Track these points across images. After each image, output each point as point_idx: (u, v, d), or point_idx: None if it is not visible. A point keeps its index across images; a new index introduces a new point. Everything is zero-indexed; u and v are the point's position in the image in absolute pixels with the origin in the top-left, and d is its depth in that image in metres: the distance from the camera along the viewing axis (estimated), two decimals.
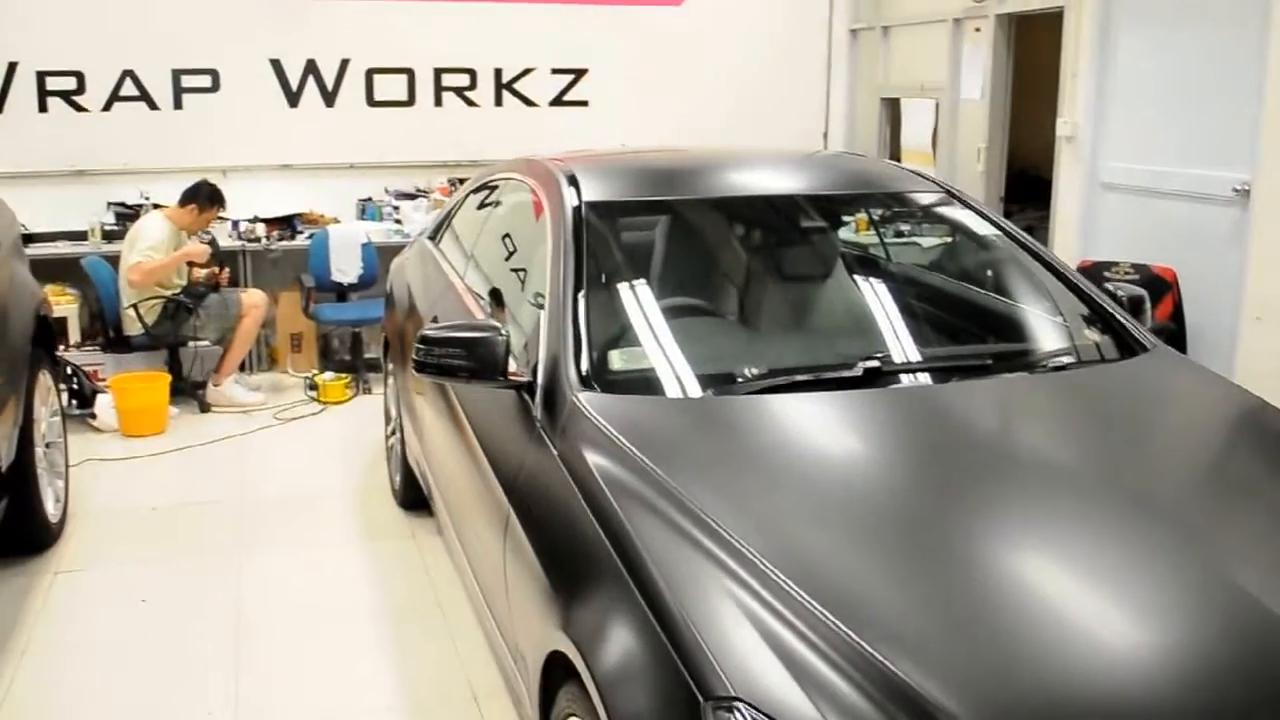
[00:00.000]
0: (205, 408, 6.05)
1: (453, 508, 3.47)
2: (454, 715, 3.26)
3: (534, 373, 2.78)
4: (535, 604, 2.38)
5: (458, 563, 3.49)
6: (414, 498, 4.48)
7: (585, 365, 2.69)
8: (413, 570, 4.19)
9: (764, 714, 1.74)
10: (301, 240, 6.76)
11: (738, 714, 1.75)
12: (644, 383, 2.71)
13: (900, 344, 3.03)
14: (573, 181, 3.32)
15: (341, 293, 6.66)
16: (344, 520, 4.67)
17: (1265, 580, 2.00)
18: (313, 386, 6.29)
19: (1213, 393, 2.92)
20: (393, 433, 4.77)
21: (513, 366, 2.82)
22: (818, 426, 2.56)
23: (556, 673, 2.28)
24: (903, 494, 2.34)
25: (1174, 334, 5.15)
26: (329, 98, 6.98)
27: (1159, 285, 5.25)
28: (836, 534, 2.15)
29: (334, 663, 3.55)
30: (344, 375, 6.37)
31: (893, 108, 7.57)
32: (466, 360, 2.78)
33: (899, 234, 4.76)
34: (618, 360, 2.77)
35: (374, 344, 6.38)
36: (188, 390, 6.11)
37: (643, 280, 3.18)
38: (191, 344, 6.13)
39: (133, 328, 5.96)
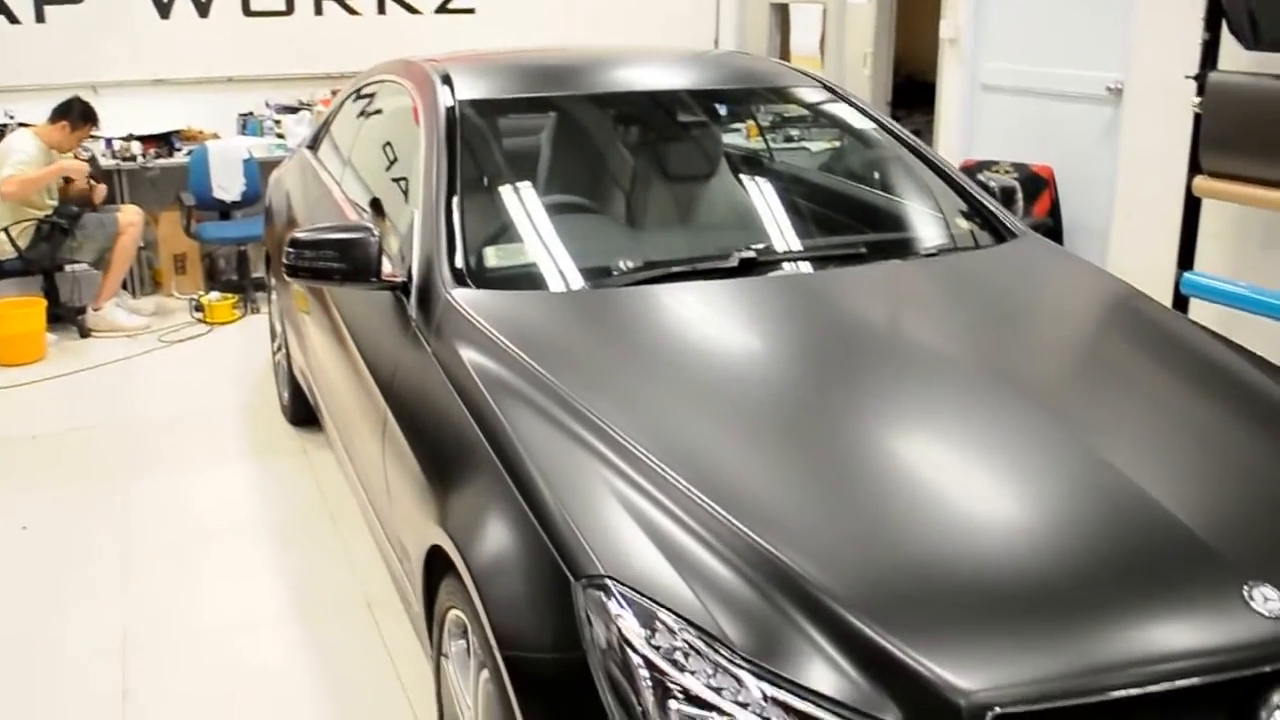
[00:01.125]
0: (85, 333, 5.84)
1: (336, 416, 3.41)
2: (348, 624, 3.23)
3: (409, 273, 2.72)
4: (414, 501, 2.35)
5: (347, 473, 3.44)
6: (304, 414, 4.40)
7: (459, 262, 2.64)
8: (304, 485, 4.12)
9: (634, 590, 1.74)
10: (180, 158, 6.51)
11: (608, 592, 1.75)
12: (519, 278, 2.67)
13: (779, 236, 3.03)
14: (447, 81, 3.23)
15: (224, 211, 6.46)
16: (234, 440, 4.57)
17: (1131, 456, 2.04)
18: (199, 308, 6.11)
19: (1081, 277, 2.98)
20: (279, 349, 4.66)
21: (388, 268, 2.75)
22: (694, 316, 2.55)
23: (438, 568, 2.26)
24: (781, 380, 2.35)
25: (1051, 230, 5.25)
26: (202, 8, 6.68)
27: (1037, 183, 5.33)
28: (714, 420, 2.14)
29: (226, 580, 3.49)
30: (231, 295, 6.19)
31: (782, 14, 7.51)
32: (339, 262, 2.70)
33: (787, 139, 4.76)
34: (493, 257, 2.72)
35: (261, 263, 6.20)
36: (67, 317, 5.90)
37: (520, 178, 3.13)
38: (68, 268, 5.89)
39: (4, 252, 5.71)
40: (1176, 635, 1.70)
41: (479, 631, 1.97)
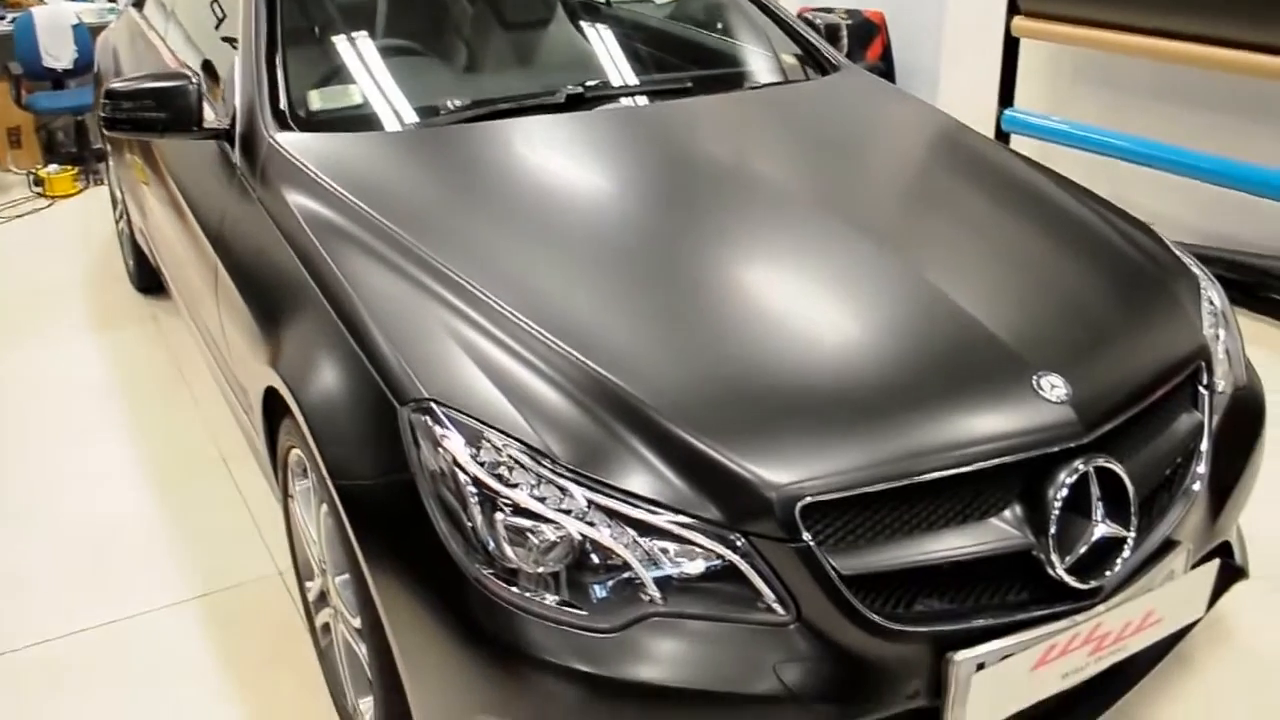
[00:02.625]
0: None
1: (176, 276, 3.25)
2: (205, 479, 3.15)
3: (232, 120, 2.56)
4: (248, 347, 2.26)
5: (193, 333, 3.30)
6: (152, 280, 4.20)
7: (283, 104, 2.49)
8: (155, 351, 3.96)
9: (459, 411, 1.70)
10: (4, 26, 6.01)
11: (433, 414, 1.71)
12: (345, 121, 2.53)
13: (611, 73, 2.94)
14: None
15: (57, 80, 6.02)
16: (81, 311, 4.34)
17: (942, 270, 2.06)
18: (38, 182, 5.74)
19: (894, 102, 2.98)
20: (120, 216, 4.42)
21: (210, 117, 2.59)
22: (521, 153, 2.46)
23: (276, 410, 2.19)
24: (609, 209, 2.29)
25: (883, 73, 5.25)
26: None
27: (869, 28, 5.31)
28: (542, 251, 2.09)
29: (81, 444, 3.35)
30: (70, 167, 5.82)
31: None
32: (158, 112, 2.53)
33: None
34: (317, 100, 2.57)
35: (99, 132, 5.83)
36: None
37: (348, 21, 2.95)
38: None
39: None
40: (975, 424, 1.74)
41: (316, 467, 1.92)
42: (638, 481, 1.64)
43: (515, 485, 1.64)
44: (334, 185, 2.24)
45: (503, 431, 1.68)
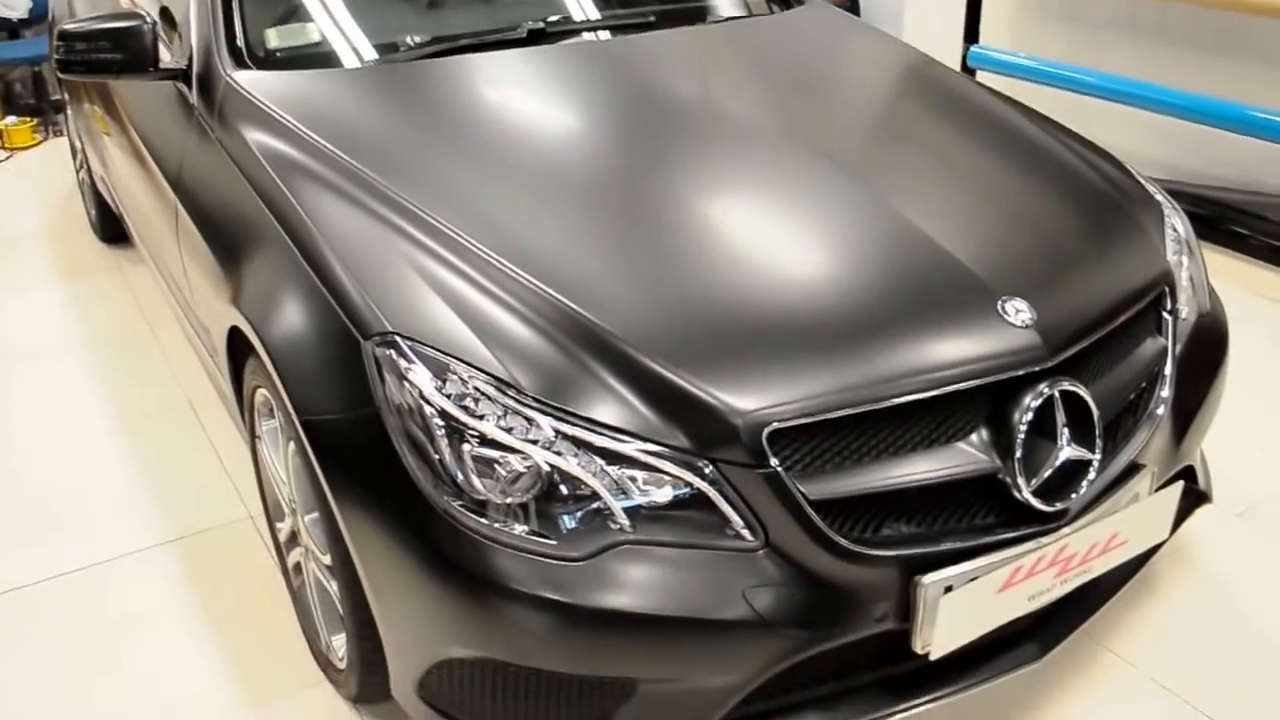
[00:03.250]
0: None
1: (138, 223, 3.19)
2: (173, 426, 3.10)
3: (189, 60, 2.49)
4: (211, 288, 2.22)
5: (157, 280, 3.24)
6: (115, 230, 4.13)
7: (240, 42, 2.43)
8: (121, 300, 3.89)
9: (423, 344, 1.68)
10: None
11: (397, 348, 1.68)
12: (303, 58, 2.47)
13: (571, 9, 2.88)
14: None
15: (13, 30, 5.87)
16: (44, 262, 4.26)
17: (910, 200, 2.03)
18: None
19: (867, 40, 2.94)
20: (81, 165, 4.32)
21: (167, 58, 2.52)
22: (483, 88, 2.41)
23: (241, 351, 2.16)
24: (574, 144, 2.25)
25: (849, 8, 5.19)
26: None
27: None
28: (506, 186, 2.05)
29: (48, 395, 3.29)
30: (29, 119, 5.69)
31: None
32: (113, 53, 2.46)
33: None
34: (275, 38, 2.50)
35: (58, 83, 5.69)
36: None
37: None
38: None
39: None
40: (940, 349, 1.73)
41: (281, 406, 1.89)
42: (605, 411, 1.63)
43: (482, 416, 1.62)
44: (293, 122, 2.19)
45: (468, 363, 1.65)
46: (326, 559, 1.91)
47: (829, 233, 1.96)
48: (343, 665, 2.01)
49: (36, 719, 2.14)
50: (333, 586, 1.95)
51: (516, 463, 1.60)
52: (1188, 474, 2.18)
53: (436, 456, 1.62)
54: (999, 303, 1.79)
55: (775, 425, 1.60)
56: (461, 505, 1.61)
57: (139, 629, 2.35)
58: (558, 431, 1.61)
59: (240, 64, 2.40)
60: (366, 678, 1.91)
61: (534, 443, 1.60)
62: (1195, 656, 2.22)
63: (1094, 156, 2.41)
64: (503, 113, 2.32)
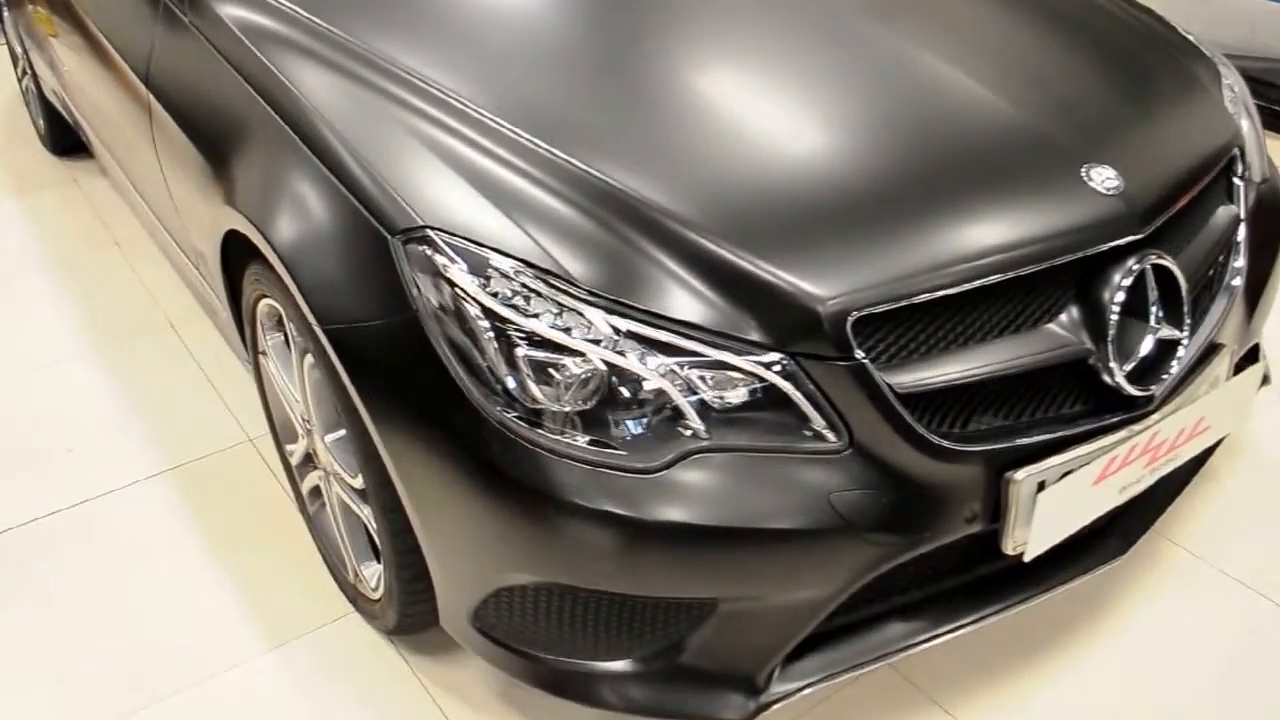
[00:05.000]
0: None
1: (101, 131, 2.92)
2: (154, 346, 2.89)
3: None
4: (199, 190, 2.00)
5: (124, 191, 2.99)
6: (68, 141, 3.84)
7: None
8: (81, 215, 3.62)
9: (460, 237, 1.49)
10: None
11: (431, 244, 1.49)
12: None
13: None
14: None
15: None
16: None
17: (965, 59, 1.85)
18: None
19: None
20: (24, 74, 4.00)
21: None
22: None
23: (238, 257, 1.95)
24: (586, 6, 2.03)
25: None
26: None
27: None
28: (516, 53, 1.84)
29: (12, 322, 3.05)
30: None
31: None
32: None
33: None
34: None
35: None
36: None
37: None
38: None
39: None
40: (1027, 222, 1.57)
41: (296, 316, 1.70)
42: (668, 303, 1.46)
43: (534, 315, 1.44)
44: (293, 7, 1.95)
45: (512, 256, 1.47)
46: (356, 482, 1.74)
47: (887, 96, 1.78)
48: (377, 596, 1.86)
49: (41, 665, 1.98)
50: (365, 512, 1.78)
51: (575, 365, 1.43)
52: (1253, 354, 2.07)
53: (485, 363, 1.45)
54: (1083, 169, 1.63)
55: (860, 312, 1.44)
56: (516, 416, 1.44)
57: (143, 568, 2.18)
58: (618, 329, 1.43)
59: None
60: (407, 609, 1.76)
61: (594, 342, 1.43)
62: (1259, 543, 2.13)
63: (1145, 16, 2.23)
64: None
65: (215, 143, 1.92)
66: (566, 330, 1.43)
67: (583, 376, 1.43)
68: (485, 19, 1.92)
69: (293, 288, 1.62)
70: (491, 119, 1.64)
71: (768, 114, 1.73)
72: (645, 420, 1.44)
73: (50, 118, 3.81)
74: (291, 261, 1.63)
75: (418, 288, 1.48)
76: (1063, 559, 1.75)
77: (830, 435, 1.47)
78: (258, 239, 1.72)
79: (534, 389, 1.43)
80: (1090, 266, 1.60)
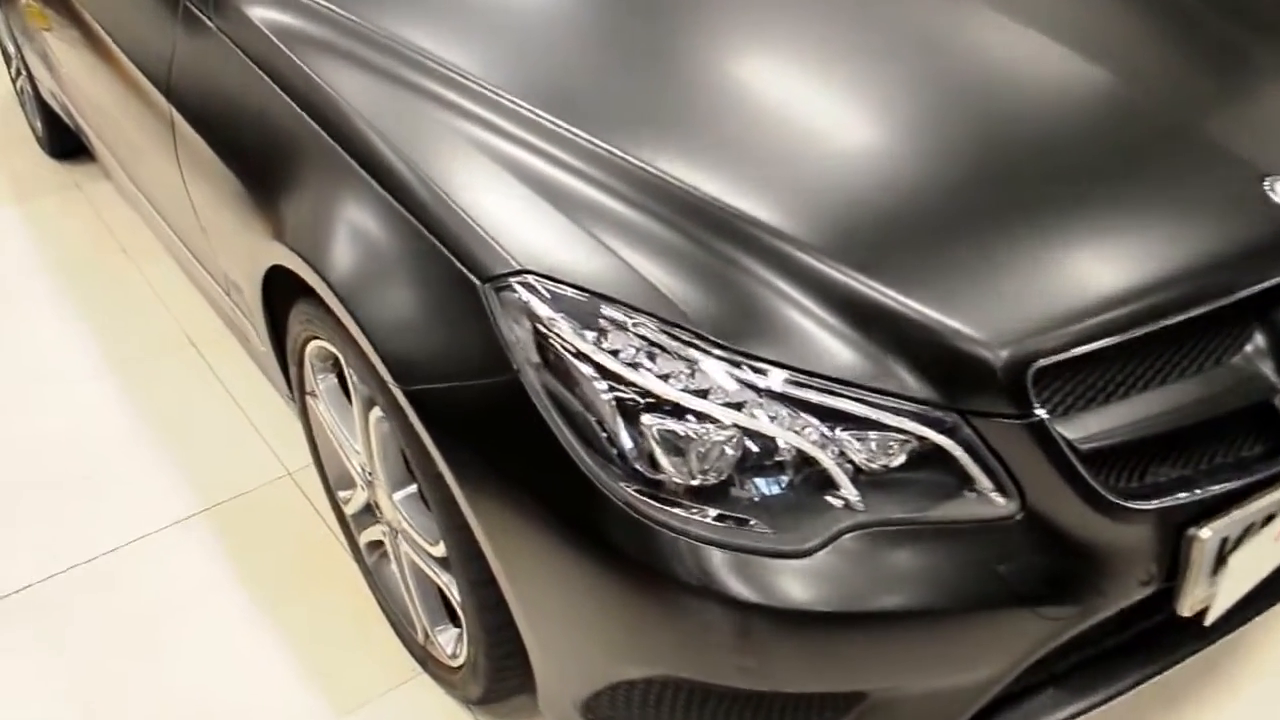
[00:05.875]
0: None
1: (110, 139, 2.69)
2: (175, 367, 2.67)
3: None
4: (235, 218, 1.77)
5: (135, 202, 2.76)
6: (69, 144, 3.59)
7: None
8: (86, 222, 3.39)
9: (563, 283, 1.28)
10: None
11: (530, 291, 1.28)
12: None
13: None
14: None
15: None
16: None
17: (1117, 56, 1.65)
18: None
19: None
20: (18, 74, 3.74)
21: None
22: None
23: (282, 294, 1.74)
24: (659, 9, 1.81)
25: None
26: None
27: None
28: (581, 54, 1.62)
29: (22, 344, 2.82)
30: None
31: None
32: None
33: None
34: None
35: None
36: None
37: None
38: None
39: None
40: (1210, 247, 1.36)
41: (360, 363, 1.49)
42: (813, 355, 1.25)
43: (661, 376, 1.23)
44: (332, 8, 1.72)
45: (628, 305, 1.26)
46: (435, 549, 1.54)
47: (1022, 96, 1.57)
48: (456, 664, 1.66)
49: None
50: (443, 578, 1.58)
51: (709, 431, 1.22)
52: None
53: (602, 431, 1.24)
54: (1266, 183, 1.42)
55: (1042, 362, 1.24)
56: (638, 490, 1.23)
57: (182, 625, 1.98)
58: (757, 387, 1.23)
59: None
60: (495, 684, 1.56)
61: (734, 406, 1.22)
62: None
63: None
64: None
65: (255, 166, 1.70)
66: (700, 393, 1.22)
67: (718, 444, 1.22)
68: (550, 16, 1.70)
69: (361, 340, 1.41)
70: (580, 135, 1.43)
71: (872, 109, 1.52)
72: (789, 491, 1.24)
73: (48, 120, 3.57)
74: (359, 311, 1.42)
75: (517, 342, 1.27)
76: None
77: (999, 500, 1.27)
78: (315, 281, 1.50)
79: (662, 460, 1.22)
80: (1274, 293, 1.39)
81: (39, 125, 3.72)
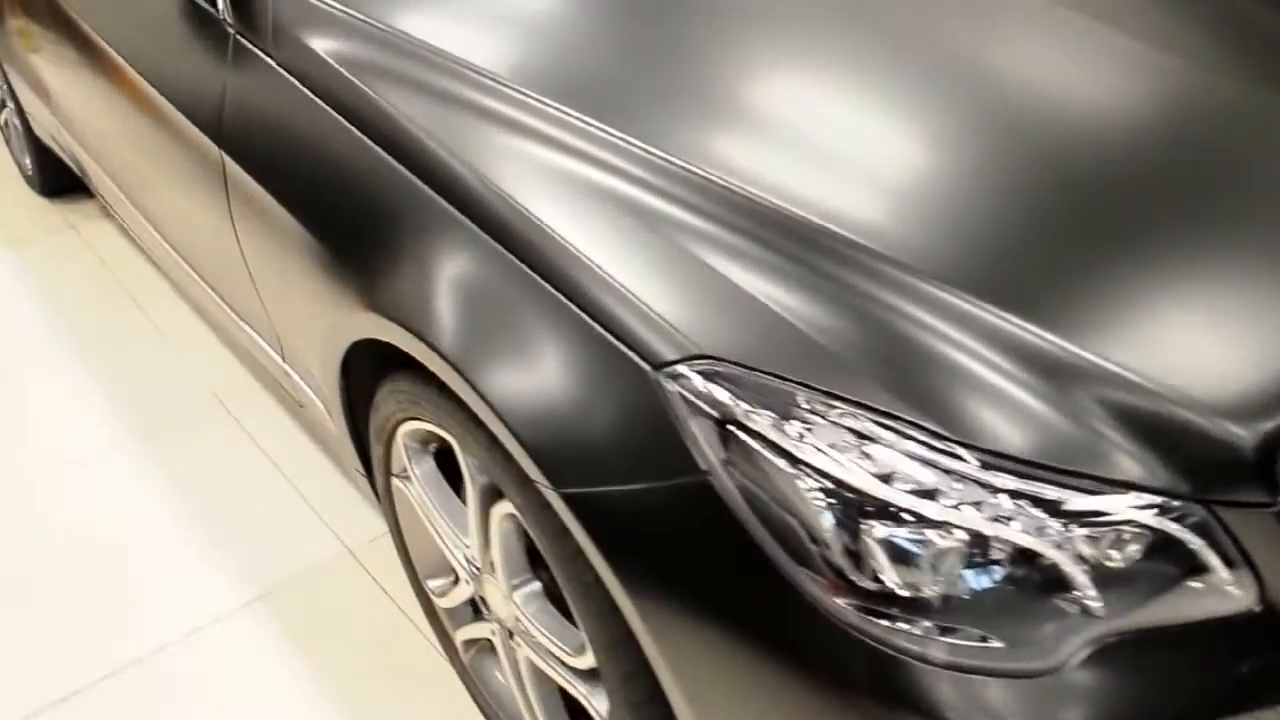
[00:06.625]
0: None
1: (126, 180, 2.48)
2: (209, 435, 2.46)
3: None
4: (308, 281, 1.59)
5: (149, 243, 2.56)
6: (61, 182, 3.38)
7: None
8: (88, 268, 3.18)
9: (753, 369, 1.11)
10: None
11: (711, 378, 1.11)
12: None
13: None
14: None
15: None
16: None
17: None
18: None
19: None
20: (2, 105, 3.53)
21: None
22: None
23: (366, 367, 1.56)
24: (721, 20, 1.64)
25: None
26: None
27: None
28: (711, 91, 1.46)
29: (33, 412, 2.61)
30: None
31: None
32: None
33: None
34: None
35: None
36: None
37: None
38: None
39: None
40: None
41: (487, 455, 1.32)
42: (1037, 441, 1.09)
43: (881, 475, 1.07)
44: (388, 28, 1.55)
45: (830, 394, 1.09)
46: (579, 660, 1.36)
47: (1179, 121, 1.43)
48: None
49: None
50: (582, 689, 1.40)
51: (938, 538, 1.06)
52: None
53: (810, 539, 1.07)
54: None
55: None
56: (857, 605, 1.07)
57: (252, 712, 1.79)
58: (990, 485, 1.07)
59: None
60: None
61: (956, 506, 1.06)
62: None
63: None
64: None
65: (338, 224, 1.52)
66: (930, 495, 1.06)
67: (950, 550, 1.06)
68: (664, 47, 1.53)
69: (499, 432, 1.24)
70: (738, 188, 1.26)
71: (1014, 130, 1.38)
72: (1028, 601, 1.08)
73: (39, 156, 3.35)
74: (494, 397, 1.24)
75: (702, 439, 1.10)
76: None
77: (1236, 591, 1.12)
78: (418, 350, 1.33)
79: (887, 571, 1.06)
80: None
81: (28, 162, 3.50)
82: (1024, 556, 1.08)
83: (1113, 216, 1.27)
